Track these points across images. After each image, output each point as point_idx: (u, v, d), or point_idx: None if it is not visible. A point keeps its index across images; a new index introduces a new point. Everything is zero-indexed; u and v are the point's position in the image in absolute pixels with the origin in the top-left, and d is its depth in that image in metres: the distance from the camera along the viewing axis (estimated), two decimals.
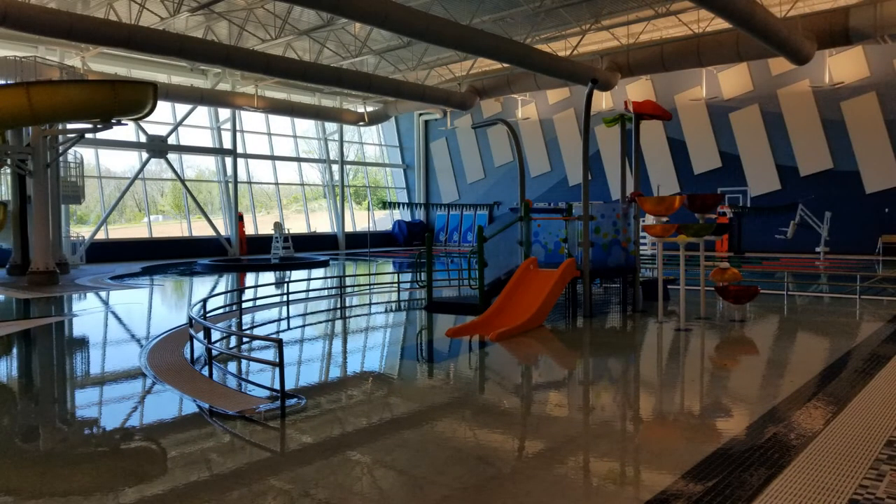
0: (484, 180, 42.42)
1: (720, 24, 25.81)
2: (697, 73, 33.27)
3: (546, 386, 8.97)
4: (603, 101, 35.78)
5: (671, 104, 33.88)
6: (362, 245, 40.75)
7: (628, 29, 29.08)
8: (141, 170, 33.34)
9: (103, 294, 19.01)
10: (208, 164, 37.92)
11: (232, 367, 9.80)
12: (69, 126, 22.43)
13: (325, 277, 21.36)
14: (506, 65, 31.06)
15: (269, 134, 39.57)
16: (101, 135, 26.07)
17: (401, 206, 45.04)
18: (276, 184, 40.19)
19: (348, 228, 42.38)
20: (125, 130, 31.92)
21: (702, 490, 5.07)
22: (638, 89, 35.21)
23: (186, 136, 35.48)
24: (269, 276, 24.58)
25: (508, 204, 39.69)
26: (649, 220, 22.31)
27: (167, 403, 8.01)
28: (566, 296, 14.61)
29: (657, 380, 9.00)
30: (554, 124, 39.18)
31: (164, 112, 33.75)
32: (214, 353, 9.40)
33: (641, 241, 19.78)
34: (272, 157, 39.62)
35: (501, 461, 5.88)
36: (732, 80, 33.03)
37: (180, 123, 34.46)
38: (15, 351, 11.70)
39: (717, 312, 14.17)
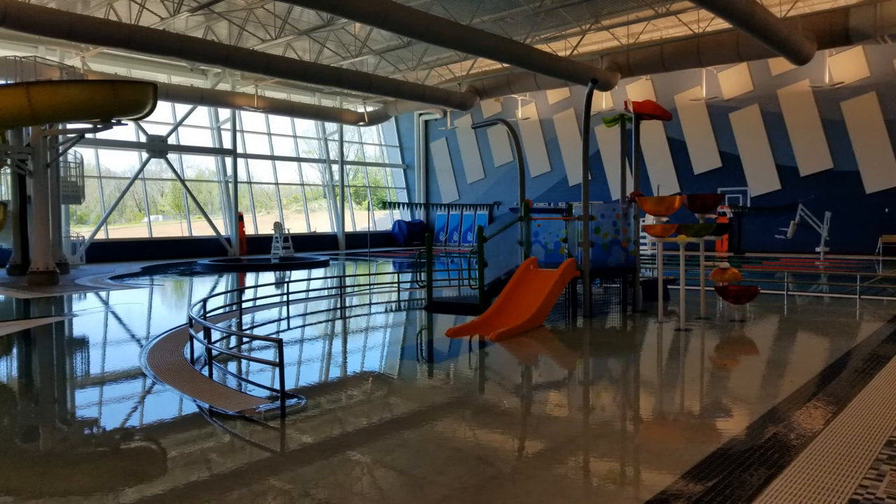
0: (484, 180, 42.41)
1: (720, 24, 25.81)
2: (697, 73, 33.29)
3: (546, 386, 8.96)
4: (603, 101, 35.77)
5: (671, 104, 33.88)
6: (362, 245, 40.76)
7: (628, 29, 29.09)
8: (141, 170, 33.35)
9: (103, 294, 19.01)
10: (208, 164, 37.93)
11: (232, 367, 9.80)
12: (69, 126, 22.43)
13: (325, 277, 21.36)
14: (506, 65, 31.08)
15: (269, 134, 39.58)
16: (101, 135, 26.06)
17: (401, 206, 45.04)
18: (276, 184, 40.19)
19: (348, 228, 42.38)
20: (125, 130, 31.93)
21: (702, 490, 5.07)
22: (638, 89, 35.22)
23: (186, 136, 35.51)
24: (269, 276, 24.58)
25: (508, 204, 39.67)
26: (649, 220, 22.31)
27: (167, 403, 8.01)
28: (566, 296, 14.61)
29: (657, 380, 8.99)
30: (554, 124, 39.17)
31: (164, 112, 33.76)
32: (214, 353, 9.40)
33: (641, 241, 19.73)
34: (272, 157, 39.62)
35: (502, 461, 5.87)
36: (732, 80, 33.04)
37: (180, 123, 34.46)
38: (15, 351, 11.70)
39: (717, 312, 14.16)
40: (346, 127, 42.16)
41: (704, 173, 34.14)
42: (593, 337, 12.08)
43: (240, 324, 13.51)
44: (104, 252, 31.12)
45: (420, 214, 45.07)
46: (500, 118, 22.31)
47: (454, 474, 5.47)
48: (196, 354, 10.16)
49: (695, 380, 8.92)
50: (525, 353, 10.77)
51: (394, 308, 16.08)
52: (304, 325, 13.75)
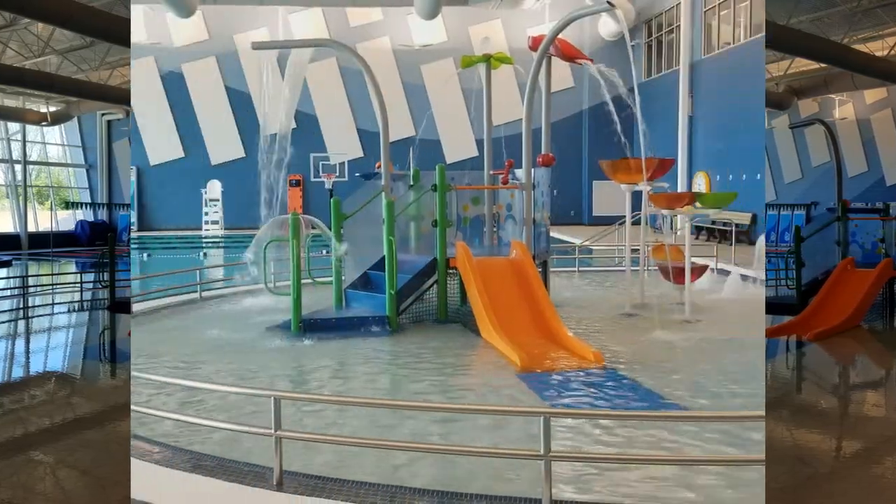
0: (801, 180, 37.94)
1: None
2: None
3: (863, 386, 8.67)
4: None
5: None
6: (46, 245, 37.68)
7: None
8: None
9: None
10: None
11: None
12: None
13: (7, 277, 19.73)
14: (822, 65, 28.46)
15: None
16: None
17: (84, 207, 42.19)
18: None
19: (31, 228, 39.03)
20: None
21: None
22: None
23: None
24: None
25: (825, 204, 35.78)
26: None
27: None
28: (883, 296, 13.48)
29: None
30: (871, 124, 36.15)
31: None
32: None
33: None
34: None
35: (819, 461, 5.62)
36: None
37: None
38: None
39: None
40: (28, 127, 38.92)
41: None
42: None
43: None
44: None
45: (103, 214, 42.51)
46: (817, 118, 20.59)
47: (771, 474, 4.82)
48: None
49: None
50: (842, 353, 10.21)
51: (77, 308, 15.28)
52: None
